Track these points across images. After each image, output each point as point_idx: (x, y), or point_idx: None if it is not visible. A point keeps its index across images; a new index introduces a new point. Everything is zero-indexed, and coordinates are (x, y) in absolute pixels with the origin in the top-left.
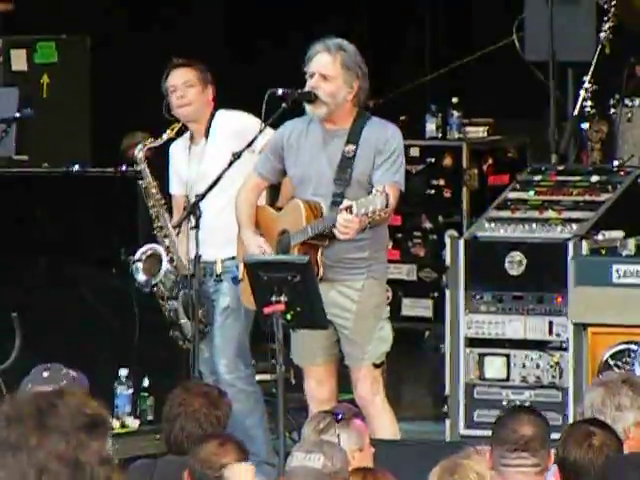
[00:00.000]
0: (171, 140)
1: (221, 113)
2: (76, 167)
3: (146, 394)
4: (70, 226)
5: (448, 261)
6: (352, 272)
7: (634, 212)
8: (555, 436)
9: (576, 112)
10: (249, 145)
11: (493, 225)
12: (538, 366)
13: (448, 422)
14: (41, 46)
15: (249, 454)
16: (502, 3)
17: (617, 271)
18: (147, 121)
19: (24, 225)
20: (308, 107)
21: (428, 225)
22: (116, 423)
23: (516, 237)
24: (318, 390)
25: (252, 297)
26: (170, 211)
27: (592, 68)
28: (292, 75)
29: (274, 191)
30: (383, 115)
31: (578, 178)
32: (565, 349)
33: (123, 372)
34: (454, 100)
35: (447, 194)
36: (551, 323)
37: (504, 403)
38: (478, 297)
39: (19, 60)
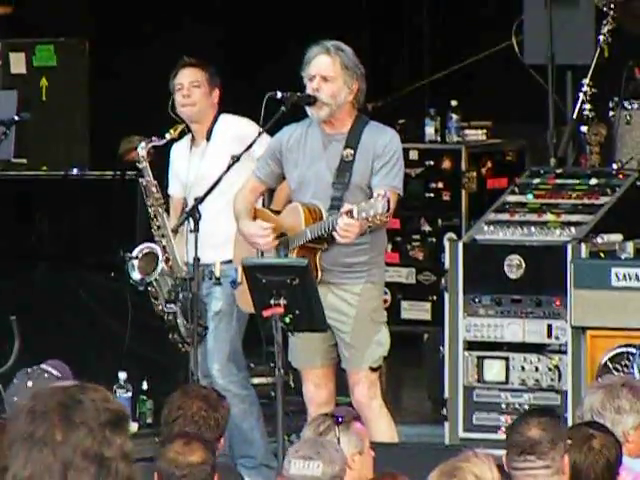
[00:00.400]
0: (174, 140)
1: (224, 117)
2: (75, 170)
3: (145, 397)
4: (69, 229)
5: (447, 264)
6: (350, 276)
7: (633, 215)
8: None
9: (575, 115)
10: (248, 148)
11: (492, 228)
12: (537, 369)
13: (447, 425)
14: (40, 49)
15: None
16: (501, 6)
17: (616, 274)
18: (146, 125)
19: (23, 228)
20: (310, 110)
21: (427, 228)
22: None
23: (515, 240)
24: (317, 393)
25: (250, 300)
26: (168, 212)
27: (591, 71)
28: (291, 87)
29: (269, 195)
30: (382, 118)
31: (577, 181)
32: (564, 352)
33: (122, 375)
34: (453, 103)
35: (446, 197)
36: (550, 326)
37: (503, 406)
38: (477, 300)
39: (18, 63)
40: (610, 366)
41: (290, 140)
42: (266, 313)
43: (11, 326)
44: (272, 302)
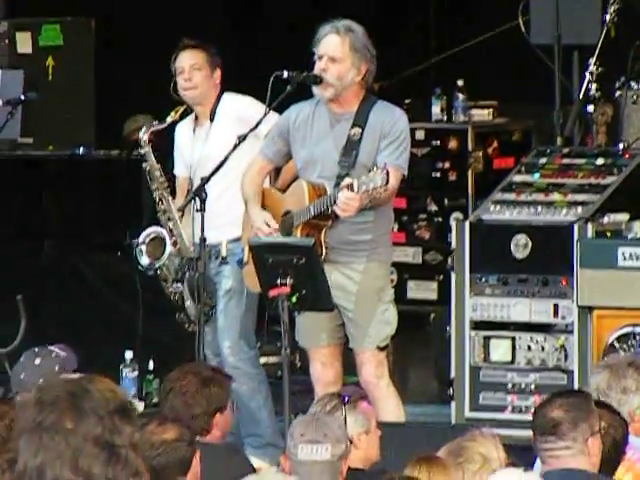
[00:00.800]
0: (175, 122)
1: (227, 96)
2: (81, 150)
3: (151, 377)
4: (75, 209)
5: (453, 244)
6: (356, 254)
7: (639, 195)
8: None
9: (581, 95)
10: (254, 128)
11: (498, 208)
12: (543, 349)
13: (453, 405)
14: (46, 29)
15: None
16: None
17: (622, 254)
18: (151, 104)
19: (29, 208)
20: (315, 89)
21: (433, 208)
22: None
23: (521, 220)
24: (323, 373)
25: (257, 280)
26: (173, 193)
27: (597, 51)
28: (298, 60)
29: (275, 173)
30: (389, 98)
31: (583, 161)
32: (570, 332)
33: (128, 355)
34: (459, 83)
35: (452, 177)
36: (556, 306)
37: (509, 386)
38: (483, 280)
39: (24, 43)
40: (616, 346)
41: (297, 119)
42: (272, 293)
43: (17, 306)
44: (278, 282)
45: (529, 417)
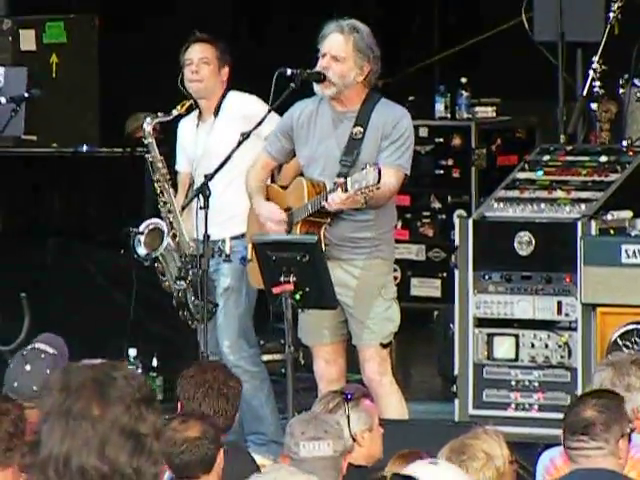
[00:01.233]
0: (181, 116)
1: (233, 94)
2: (84, 147)
3: (155, 374)
4: (79, 206)
5: (457, 241)
6: (358, 251)
7: None
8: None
9: (585, 92)
10: (258, 125)
11: (502, 205)
12: (547, 346)
13: (457, 402)
14: (50, 26)
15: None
16: None
17: (626, 251)
18: (156, 101)
19: (33, 205)
20: (317, 86)
21: (437, 205)
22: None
23: (525, 217)
24: (327, 370)
25: (260, 277)
26: (175, 187)
27: (601, 48)
28: (303, 57)
29: (277, 170)
30: (392, 95)
31: (587, 158)
32: (574, 329)
33: (132, 352)
34: (463, 80)
35: (456, 174)
36: (560, 303)
37: (513, 383)
38: (487, 277)
39: (28, 40)
40: (620, 343)
41: (301, 116)
42: (276, 290)
43: (22, 303)
44: (282, 279)
45: (533, 414)
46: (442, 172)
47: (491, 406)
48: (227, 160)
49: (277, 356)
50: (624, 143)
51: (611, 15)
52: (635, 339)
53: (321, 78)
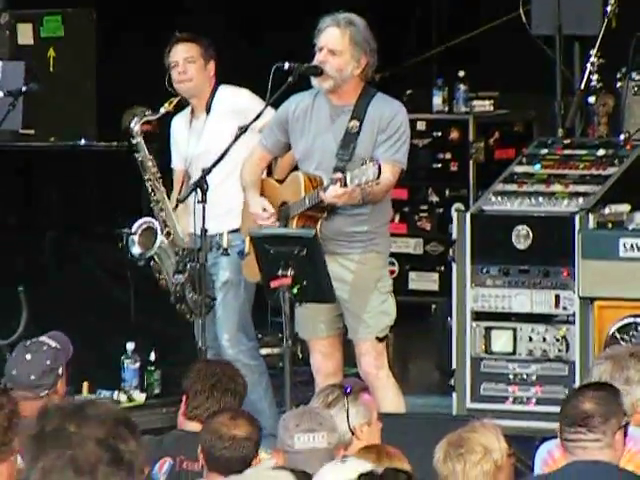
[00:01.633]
0: (171, 114)
1: (223, 89)
2: (82, 141)
3: (153, 368)
4: (76, 200)
5: (455, 235)
6: (353, 245)
7: None
8: None
9: (582, 86)
10: (255, 119)
11: (499, 199)
12: (544, 340)
13: (455, 396)
14: (47, 20)
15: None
16: None
17: (624, 245)
18: (152, 96)
19: (30, 199)
20: (314, 80)
21: (434, 199)
22: (123, 397)
23: (522, 211)
24: (324, 363)
25: (255, 270)
26: (170, 186)
27: (599, 42)
28: (299, 53)
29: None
30: (390, 89)
31: (584, 152)
32: (572, 323)
33: (130, 346)
34: (461, 74)
35: (453, 168)
36: (557, 297)
37: (510, 377)
38: (485, 271)
39: (25, 34)
40: (618, 336)
41: (297, 109)
42: (274, 284)
43: (19, 297)
44: (280, 273)
45: (530, 408)
46: (440, 166)
47: (489, 399)
48: (225, 154)
49: (275, 350)
50: (622, 137)
51: (608, 8)
52: (633, 332)
53: (318, 72)
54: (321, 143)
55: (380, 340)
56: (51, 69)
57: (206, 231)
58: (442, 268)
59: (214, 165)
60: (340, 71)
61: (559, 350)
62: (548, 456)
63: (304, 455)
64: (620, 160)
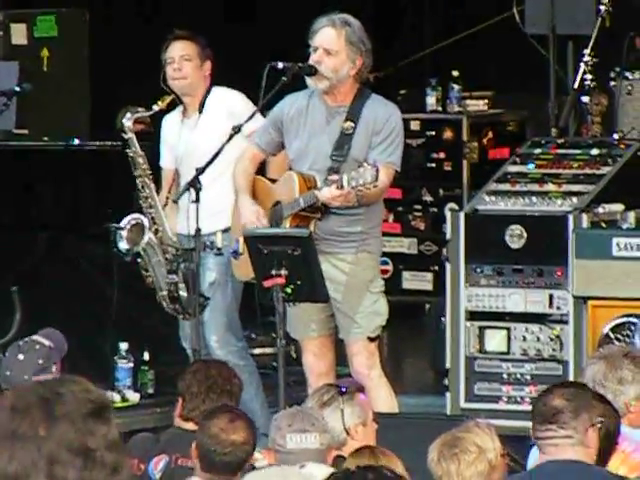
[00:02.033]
0: (162, 112)
1: (217, 90)
2: (76, 141)
3: (146, 368)
4: (70, 199)
5: (448, 234)
6: (346, 245)
7: (634, 185)
8: None
9: (576, 85)
10: (249, 119)
11: (493, 198)
12: (538, 339)
13: (449, 395)
14: (41, 20)
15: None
16: None
17: (617, 244)
18: (146, 95)
19: (24, 199)
20: (309, 80)
21: (428, 198)
22: (117, 397)
23: (516, 210)
24: (316, 363)
25: (247, 269)
26: (157, 183)
27: (592, 41)
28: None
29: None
30: (384, 89)
31: (578, 151)
32: (565, 322)
33: (123, 346)
34: (454, 73)
35: (447, 167)
36: (551, 296)
37: (504, 376)
38: (478, 270)
39: (19, 34)
40: (612, 336)
41: (292, 110)
42: (267, 283)
43: (12, 297)
44: (273, 272)
45: (524, 407)
46: (434, 165)
47: (483, 399)
48: (218, 154)
49: (268, 349)
50: (615, 136)
51: (602, 8)
52: (626, 332)
53: (312, 71)
54: (316, 143)
55: (372, 340)
56: (45, 69)
57: (200, 230)
58: (436, 268)
59: (208, 165)
60: (335, 71)
61: (553, 350)
62: None
63: (296, 455)
64: (614, 159)
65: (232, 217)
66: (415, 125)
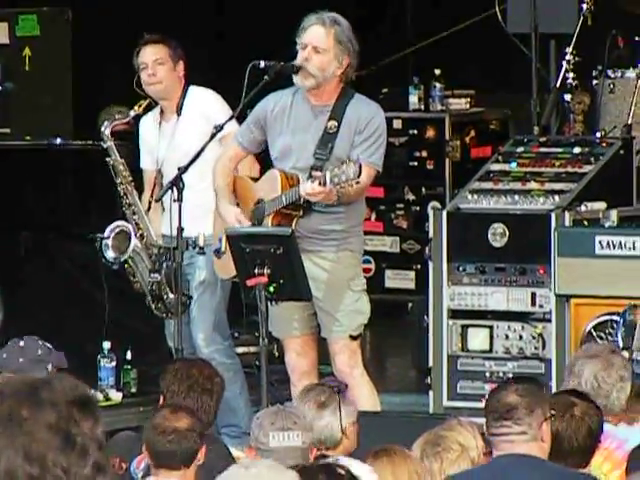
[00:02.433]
0: (140, 116)
1: (193, 90)
2: (58, 140)
3: (129, 367)
4: (52, 200)
5: (431, 233)
6: (327, 244)
7: (616, 183)
8: None
9: (558, 84)
10: (231, 119)
11: (476, 197)
12: (521, 337)
13: (431, 394)
14: (23, 19)
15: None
16: None
17: (600, 242)
18: (128, 95)
19: (6, 199)
20: (296, 78)
21: (411, 197)
22: (99, 396)
23: (499, 209)
24: (298, 362)
25: (227, 267)
26: (140, 187)
27: (574, 40)
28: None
29: None
30: (366, 87)
31: (560, 150)
32: (548, 320)
33: (106, 345)
34: (437, 72)
35: (430, 166)
36: (534, 294)
37: (487, 375)
38: (461, 269)
39: (1, 33)
40: (594, 334)
41: (275, 108)
42: (250, 282)
43: None
44: (256, 271)
45: None
46: (416, 164)
47: (465, 397)
48: (200, 153)
49: (251, 348)
50: (598, 134)
51: (584, 6)
52: (609, 330)
53: (295, 70)
54: (298, 142)
55: (354, 338)
56: (27, 68)
57: (182, 230)
58: (418, 266)
59: (190, 164)
60: (322, 70)
61: (535, 348)
62: None
63: (278, 453)
64: (596, 158)
65: (214, 217)
66: (397, 124)
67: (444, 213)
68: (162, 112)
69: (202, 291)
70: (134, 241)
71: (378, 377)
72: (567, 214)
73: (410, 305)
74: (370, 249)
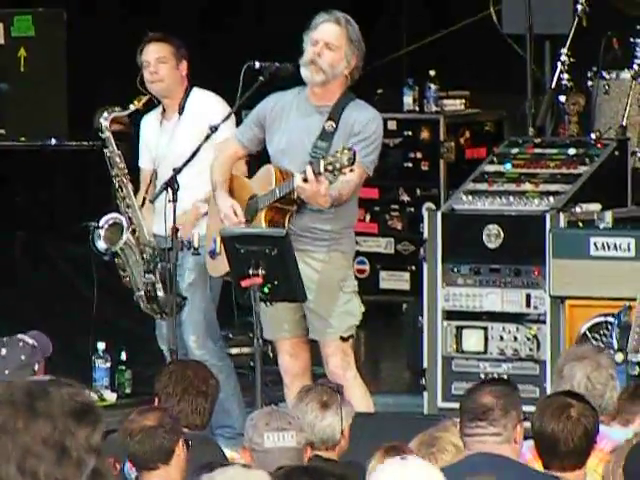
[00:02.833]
0: (139, 111)
1: (196, 92)
2: (53, 141)
3: (124, 367)
4: (47, 200)
5: (426, 234)
6: (317, 243)
7: (611, 185)
8: (532, 409)
9: (553, 85)
10: (226, 119)
11: (470, 198)
12: (516, 339)
13: (426, 395)
14: (18, 19)
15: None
16: None
17: (594, 244)
18: (124, 95)
19: (1, 199)
20: (305, 71)
21: (405, 198)
22: (94, 397)
23: (493, 210)
24: (291, 363)
25: (220, 266)
26: (135, 183)
27: (569, 41)
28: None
29: None
30: (360, 88)
31: (555, 151)
32: (543, 322)
33: (101, 346)
34: (431, 73)
35: (424, 167)
36: (529, 296)
37: (482, 376)
38: (455, 270)
39: None
40: (589, 335)
41: (276, 107)
42: (244, 283)
43: None
44: (250, 272)
45: None
46: (411, 165)
47: (460, 399)
48: (195, 154)
49: (245, 349)
50: (592, 136)
51: (579, 7)
52: (604, 331)
53: (290, 71)
54: (296, 140)
55: (344, 340)
56: (22, 69)
57: (177, 230)
58: (413, 267)
59: (185, 164)
60: (332, 67)
61: (530, 349)
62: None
63: (273, 454)
64: (591, 159)
65: (209, 217)
66: (392, 125)
67: (439, 214)
68: (164, 111)
69: (192, 293)
70: (126, 234)
71: (373, 378)
72: (562, 215)
73: (405, 306)
74: (365, 250)
